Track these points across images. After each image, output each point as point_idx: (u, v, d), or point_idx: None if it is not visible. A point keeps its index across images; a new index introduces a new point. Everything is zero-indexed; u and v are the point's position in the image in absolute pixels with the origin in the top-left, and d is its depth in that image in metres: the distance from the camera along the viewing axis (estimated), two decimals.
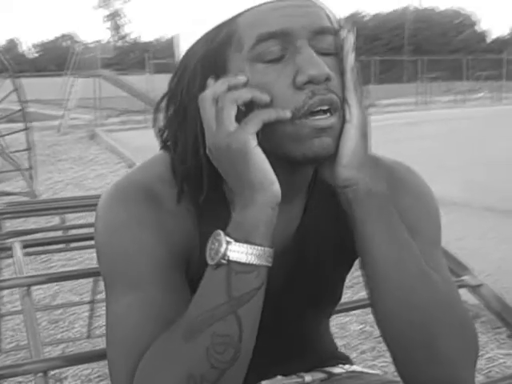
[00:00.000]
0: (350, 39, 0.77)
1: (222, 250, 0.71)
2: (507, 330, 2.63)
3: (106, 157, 9.08)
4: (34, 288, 1.36)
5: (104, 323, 2.70)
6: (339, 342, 2.34)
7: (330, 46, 0.76)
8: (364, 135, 0.77)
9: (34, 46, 77.50)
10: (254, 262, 0.71)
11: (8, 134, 6.42)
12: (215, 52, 0.77)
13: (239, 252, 0.71)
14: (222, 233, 0.73)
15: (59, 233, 2.89)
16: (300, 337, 0.98)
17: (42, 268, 3.73)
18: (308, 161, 0.77)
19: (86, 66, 14.80)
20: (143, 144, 8.47)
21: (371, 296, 0.79)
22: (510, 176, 6.70)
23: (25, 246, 1.64)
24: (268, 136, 0.74)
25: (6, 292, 2.88)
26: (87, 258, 3.87)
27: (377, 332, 2.80)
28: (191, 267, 0.83)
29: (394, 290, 0.76)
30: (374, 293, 0.78)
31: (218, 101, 0.74)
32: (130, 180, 0.85)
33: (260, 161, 0.72)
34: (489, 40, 62.38)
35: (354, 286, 2.90)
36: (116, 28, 79.16)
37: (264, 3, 0.76)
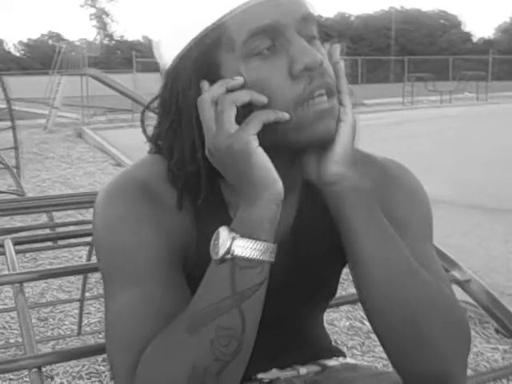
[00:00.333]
0: (337, 49, 0.81)
1: (227, 245, 0.72)
2: (494, 325, 2.67)
3: (94, 155, 9.04)
4: None
5: (94, 320, 2.70)
6: None
7: (314, 31, 0.80)
8: (353, 137, 0.80)
9: (20, 44, 76.91)
10: (258, 258, 0.73)
11: None
12: (206, 55, 0.78)
13: (244, 247, 0.72)
14: (226, 228, 0.74)
15: (47, 230, 2.89)
16: (295, 331, 0.99)
17: (30, 266, 3.72)
18: (313, 145, 0.79)
19: (72, 65, 14.71)
20: (130, 142, 8.45)
21: (360, 292, 0.80)
22: (496, 174, 6.77)
23: (15, 244, 1.64)
24: (271, 130, 0.76)
25: None
26: (76, 256, 3.87)
27: (365, 328, 2.82)
28: (188, 263, 0.85)
29: (381, 285, 0.77)
30: (362, 289, 0.80)
31: (217, 103, 0.75)
32: (127, 177, 0.86)
33: (263, 160, 0.74)
34: (473, 40, 62.75)
35: (343, 282, 2.92)
36: (102, 26, 78.76)
37: (248, 1, 0.76)
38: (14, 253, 1.52)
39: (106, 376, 2.40)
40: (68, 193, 4.46)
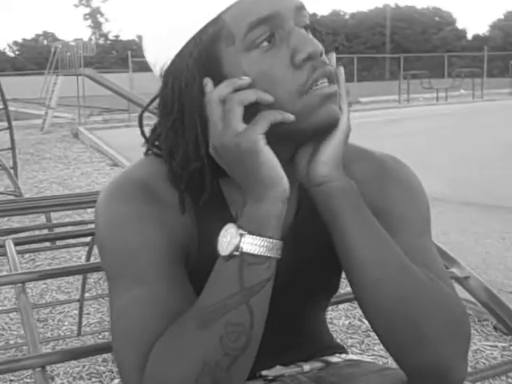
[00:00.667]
0: (333, 56, 0.83)
1: (236, 241, 0.74)
2: (493, 323, 2.68)
3: (90, 155, 9.04)
4: None
5: (93, 321, 2.71)
6: None
7: (307, 20, 0.81)
8: (345, 140, 0.82)
9: (14, 43, 76.69)
10: (266, 254, 0.74)
11: None
12: (206, 51, 0.79)
13: (252, 244, 0.74)
14: (234, 225, 0.75)
15: (45, 231, 2.89)
16: (298, 328, 1.00)
17: (28, 267, 3.72)
18: (318, 131, 0.80)
19: (67, 65, 14.68)
20: (126, 142, 8.47)
21: (353, 290, 0.82)
22: (492, 172, 6.80)
23: (16, 244, 1.64)
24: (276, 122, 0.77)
25: None
26: (74, 256, 3.87)
27: (364, 326, 2.83)
28: (190, 261, 0.86)
29: (374, 284, 0.78)
30: (355, 288, 0.81)
31: (224, 102, 0.76)
32: (127, 177, 0.87)
33: (270, 158, 0.75)
34: (468, 37, 62.82)
35: (342, 281, 2.93)
36: (97, 26, 78.62)
37: None
38: (15, 253, 1.53)
39: (106, 376, 2.41)
40: (66, 193, 4.46)
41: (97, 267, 1.44)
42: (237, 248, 0.74)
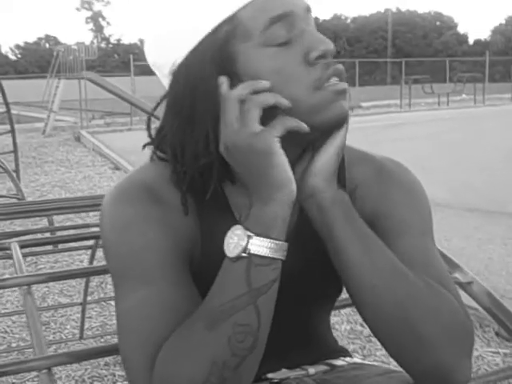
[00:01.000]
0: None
1: (243, 243, 0.75)
2: (495, 329, 2.68)
3: (92, 159, 9.05)
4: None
5: (95, 324, 2.71)
6: None
7: (313, 22, 0.84)
8: (338, 155, 0.83)
9: (16, 47, 76.81)
10: (273, 256, 0.75)
11: None
12: (220, 48, 0.80)
13: (260, 246, 0.75)
14: (241, 227, 0.76)
15: (47, 234, 2.90)
16: (303, 331, 1.01)
17: (31, 270, 3.72)
18: (328, 127, 0.82)
19: (69, 68, 14.71)
20: (128, 146, 8.48)
21: (350, 296, 0.83)
22: (494, 177, 6.79)
23: (21, 247, 1.65)
24: (293, 114, 0.79)
25: None
26: (76, 260, 3.88)
27: (366, 331, 2.83)
28: (194, 262, 0.87)
29: (370, 289, 0.80)
30: (352, 294, 0.83)
31: (242, 102, 0.77)
32: (131, 181, 0.89)
33: (282, 161, 0.76)
34: (469, 42, 62.85)
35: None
36: (98, 30, 78.77)
37: None
38: (20, 256, 1.54)
39: (108, 380, 2.42)
40: (68, 197, 4.47)
41: (102, 270, 1.45)
42: (244, 250, 0.75)
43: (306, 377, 0.98)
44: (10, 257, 1.68)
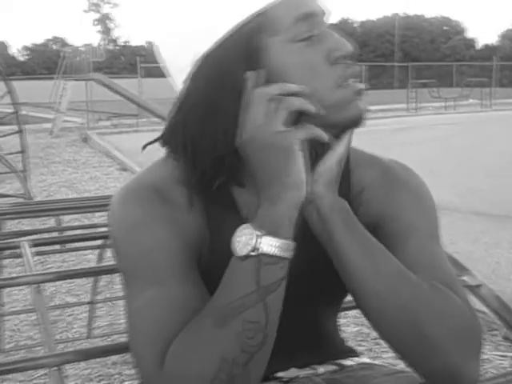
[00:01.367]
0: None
1: (253, 242, 0.76)
2: (503, 332, 2.67)
3: (99, 159, 9.08)
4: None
5: (103, 324, 2.71)
6: None
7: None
8: (339, 163, 0.85)
9: (24, 48, 77.13)
10: (281, 255, 0.77)
11: (2, 137, 6.41)
12: (248, 41, 0.81)
13: (269, 245, 0.76)
14: (250, 226, 0.77)
15: (55, 234, 2.90)
16: (312, 330, 1.01)
17: (38, 269, 3.73)
18: (345, 126, 0.84)
19: (77, 70, 14.77)
20: (135, 147, 8.46)
21: (354, 301, 0.85)
22: (501, 181, 6.78)
23: (31, 246, 1.66)
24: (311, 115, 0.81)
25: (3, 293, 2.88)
26: (84, 260, 3.89)
27: (373, 333, 2.82)
28: (202, 260, 0.88)
29: (374, 294, 0.80)
30: (356, 298, 0.84)
31: (271, 101, 0.79)
32: (139, 181, 0.90)
33: (300, 163, 0.78)
34: (477, 47, 62.73)
35: None
36: (106, 32, 79.04)
37: None
38: (30, 254, 1.55)
39: (115, 379, 2.42)
40: (76, 197, 4.48)
41: (111, 269, 1.46)
42: (253, 248, 0.76)
43: (316, 376, 0.98)
44: (19, 256, 1.69)
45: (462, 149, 9.67)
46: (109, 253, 2.31)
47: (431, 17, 68.07)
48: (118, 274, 0.90)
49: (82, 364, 2.47)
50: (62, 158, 9.29)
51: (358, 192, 0.95)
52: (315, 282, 0.95)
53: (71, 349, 2.68)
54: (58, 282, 3.39)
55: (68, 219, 4.60)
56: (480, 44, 65.13)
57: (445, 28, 65.08)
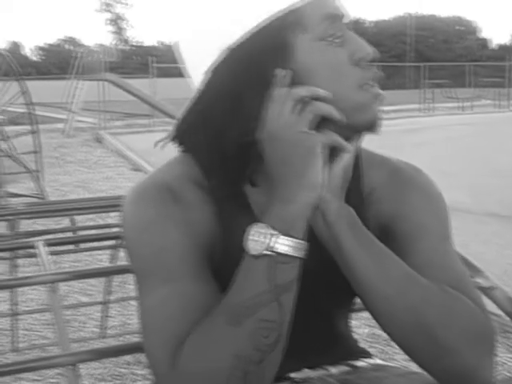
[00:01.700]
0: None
1: (267, 241, 0.77)
2: None
3: (112, 159, 9.12)
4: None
5: (115, 324, 2.74)
6: None
7: None
8: (346, 170, 0.86)
9: (37, 48, 77.56)
10: (294, 254, 0.78)
11: (17, 137, 6.45)
12: (275, 36, 0.82)
13: (283, 244, 0.77)
14: (264, 225, 0.78)
15: (69, 234, 2.92)
16: (324, 331, 1.02)
17: (52, 268, 3.75)
18: (364, 127, 0.85)
19: (89, 70, 14.81)
20: (148, 147, 8.46)
21: (364, 304, 0.85)
22: None
23: (46, 245, 1.68)
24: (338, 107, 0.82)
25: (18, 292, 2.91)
26: (97, 259, 3.91)
27: (385, 335, 2.80)
28: (214, 259, 0.88)
29: (382, 298, 0.81)
30: (364, 301, 0.85)
31: (298, 101, 0.80)
32: (151, 181, 0.90)
33: (319, 164, 0.79)
34: (490, 47, 62.31)
35: None
36: (118, 32, 79.29)
37: None
38: (45, 254, 1.56)
39: (127, 378, 2.44)
40: (90, 197, 4.50)
41: (126, 269, 1.47)
42: (267, 248, 0.77)
43: (329, 377, 0.99)
44: (33, 255, 1.71)
45: (476, 149, 9.61)
46: (122, 253, 2.32)
47: (445, 17, 67.73)
48: (131, 275, 0.90)
49: (96, 363, 2.49)
50: (75, 158, 9.34)
51: (369, 193, 0.96)
52: (327, 282, 0.95)
53: (85, 348, 2.70)
54: (70, 282, 3.41)
55: (81, 218, 4.62)
56: (493, 44, 64.74)
57: (458, 28, 64.73)
